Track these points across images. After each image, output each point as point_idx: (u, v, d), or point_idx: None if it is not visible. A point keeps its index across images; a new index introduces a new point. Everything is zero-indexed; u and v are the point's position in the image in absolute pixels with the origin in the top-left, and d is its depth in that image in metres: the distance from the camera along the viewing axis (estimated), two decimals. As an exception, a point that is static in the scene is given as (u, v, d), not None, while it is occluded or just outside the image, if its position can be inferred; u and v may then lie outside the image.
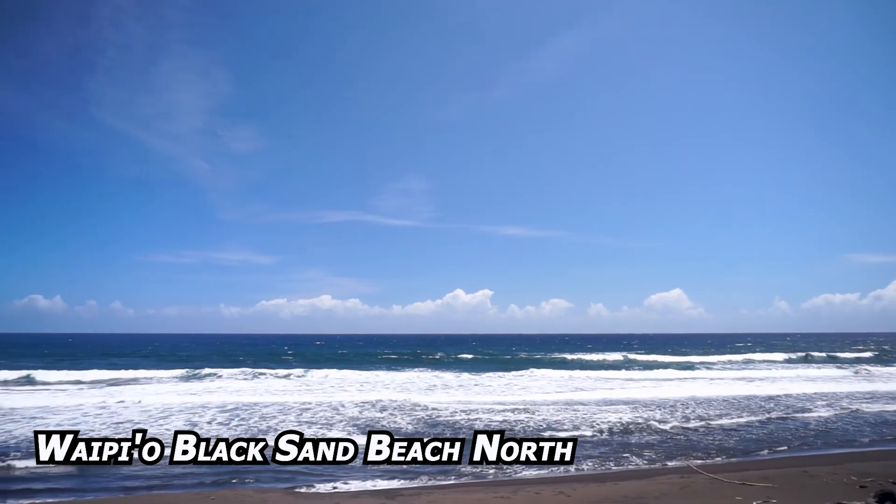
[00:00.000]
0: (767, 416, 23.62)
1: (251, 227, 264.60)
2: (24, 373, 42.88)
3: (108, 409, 23.88)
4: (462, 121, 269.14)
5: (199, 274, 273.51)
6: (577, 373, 47.37)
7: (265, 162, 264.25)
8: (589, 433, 19.26)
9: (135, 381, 39.76)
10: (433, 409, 25.18)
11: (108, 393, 31.34)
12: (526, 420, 22.06)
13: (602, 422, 21.51)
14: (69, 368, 47.16)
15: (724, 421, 22.10)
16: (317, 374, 43.70)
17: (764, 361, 64.50)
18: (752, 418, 22.87)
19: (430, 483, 13.12)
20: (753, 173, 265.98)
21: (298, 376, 42.62)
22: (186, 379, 41.27)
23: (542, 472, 14.22)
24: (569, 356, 71.67)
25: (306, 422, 21.48)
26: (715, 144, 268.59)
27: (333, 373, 45.03)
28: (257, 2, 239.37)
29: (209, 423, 21.33)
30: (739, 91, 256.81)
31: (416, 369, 52.16)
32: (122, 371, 44.80)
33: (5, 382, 39.34)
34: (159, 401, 26.49)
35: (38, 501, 11.53)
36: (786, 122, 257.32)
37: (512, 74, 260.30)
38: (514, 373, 45.87)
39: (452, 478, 13.63)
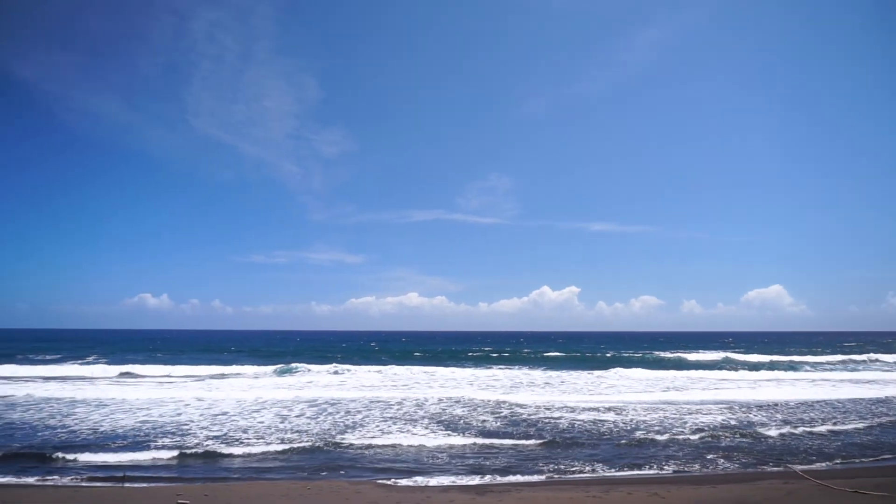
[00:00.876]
0: (876, 420, 21.82)
1: (340, 228, 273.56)
2: (130, 367, 46.34)
3: (206, 402, 25.48)
4: (545, 116, 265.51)
5: (291, 273, 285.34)
6: (667, 373, 45.47)
7: (352, 164, 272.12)
8: (681, 435, 18.47)
9: (232, 375, 41.87)
10: (517, 407, 25.06)
11: (207, 386, 33.42)
12: (613, 420, 21.54)
13: (696, 423, 20.69)
14: (173, 363, 50.33)
15: (828, 425, 20.60)
16: (403, 371, 44.51)
17: (875, 362, 59.69)
18: (859, 423, 21.19)
19: (519, 479, 13.02)
20: (859, 157, 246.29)
21: (385, 372, 43.53)
22: (279, 374, 43.13)
23: (634, 471, 13.78)
24: (661, 354, 69.34)
25: (390, 417, 21.97)
26: (818, 129, 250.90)
27: (419, 369, 45.70)
28: (341, 9, 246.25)
29: (298, 416, 22.30)
30: (844, 73, 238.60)
31: (501, 367, 52.01)
32: (221, 367, 47.29)
33: (107, 376, 42.31)
34: (253, 395, 27.86)
35: (151, 485, 12.31)
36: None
37: (596, 67, 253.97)
38: (600, 371, 44.84)
39: (542, 475, 13.46)
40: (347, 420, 21.15)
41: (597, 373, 43.44)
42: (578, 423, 21.01)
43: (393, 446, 16.67)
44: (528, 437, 18.25)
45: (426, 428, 19.54)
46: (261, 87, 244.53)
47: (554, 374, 43.00)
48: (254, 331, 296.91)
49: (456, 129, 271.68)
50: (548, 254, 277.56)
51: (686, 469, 14.21)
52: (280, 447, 16.40)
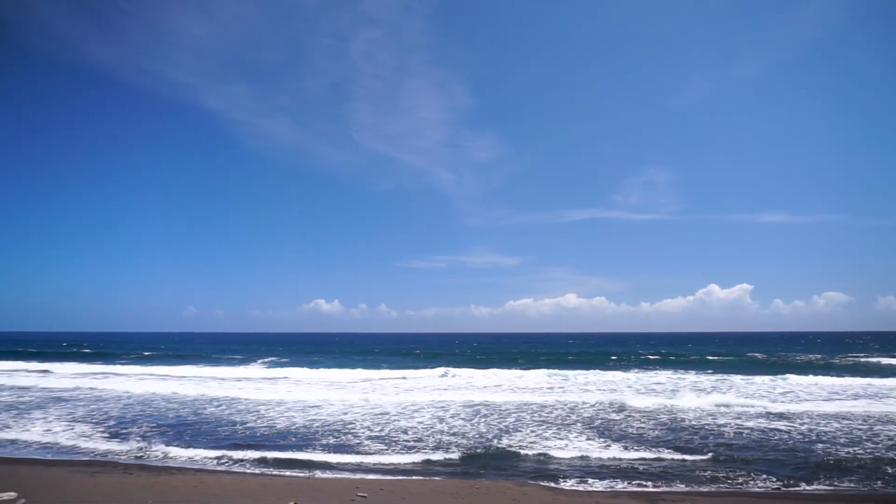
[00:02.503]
0: None
1: (496, 231, 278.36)
2: (303, 370, 50.98)
3: (370, 403, 27.65)
4: (706, 102, 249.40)
5: (450, 277, 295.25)
6: (855, 379, 39.47)
7: (505, 167, 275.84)
8: (874, 451, 16.89)
9: (394, 378, 44.20)
10: (679, 412, 24.26)
11: (371, 387, 35.99)
12: (784, 429, 20.14)
13: (893, 438, 18.67)
14: (341, 366, 54.34)
15: None
16: (559, 374, 44.26)
17: None
18: None
19: (692, 489, 12.95)
20: None
21: (540, 376, 43.57)
22: (438, 377, 44.69)
23: (815, 486, 13.03)
24: (847, 358, 62.27)
25: (542, 421, 22.33)
26: None
27: (575, 373, 45.16)
28: (487, 15, 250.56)
29: (452, 416, 23.40)
30: None
31: (663, 370, 49.83)
32: (385, 370, 49.84)
33: (283, 377, 46.55)
34: (412, 397, 29.66)
35: (335, 476, 13.83)
36: None
37: (761, 44, 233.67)
38: (773, 376, 41.29)
39: (713, 485, 13.21)
40: (501, 423, 21.79)
41: (770, 377, 40.19)
42: (746, 431, 19.95)
43: (548, 450, 16.98)
44: (690, 444, 17.72)
45: (580, 433, 19.64)
46: (416, 99, 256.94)
47: (721, 378, 40.56)
48: (416, 333, 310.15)
49: (609, 124, 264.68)
50: (714, 249, 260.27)
51: (882, 489, 13.06)
52: (439, 447, 17.43)
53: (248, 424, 21.81)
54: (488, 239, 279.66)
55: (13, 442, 18.53)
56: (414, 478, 13.88)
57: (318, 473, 14.28)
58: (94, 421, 22.52)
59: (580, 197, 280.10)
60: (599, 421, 22.27)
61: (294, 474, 14.19)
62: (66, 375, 45.04)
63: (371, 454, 16.67)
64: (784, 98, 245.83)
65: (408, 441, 18.58)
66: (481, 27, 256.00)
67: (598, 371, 46.27)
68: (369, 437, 19.12)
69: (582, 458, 16.05)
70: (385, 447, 17.55)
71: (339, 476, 14.02)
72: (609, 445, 17.67)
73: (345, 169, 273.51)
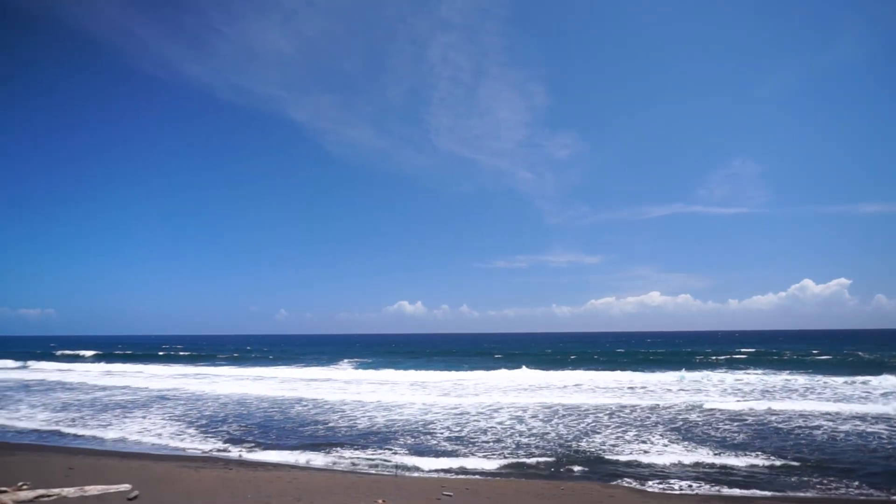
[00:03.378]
0: None
1: (576, 229, 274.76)
2: (385, 371, 52.29)
3: (450, 403, 28.13)
4: (794, 89, 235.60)
5: (531, 277, 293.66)
6: None
7: (583, 164, 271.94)
8: None
9: (473, 380, 44.25)
10: (767, 414, 23.30)
11: (452, 387, 36.37)
12: (885, 434, 19.02)
13: None
14: (423, 367, 55.10)
15: None
16: (641, 374, 43.19)
17: None
18: None
19: (783, 494, 12.49)
20: None
21: (619, 377, 42.63)
22: (517, 378, 44.28)
23: None
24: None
25: (621, 423, 22.01)
26: None
27: (659, 373, 43.92)
28: (563, 16, 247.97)
29: (532, 417, 23.45)
30: None
31: (754, 370, 47.66)
32: (464, 372, 49.70)
33: (366, 379, 47.65)
34: (491, 399, 29.80)
35: (421, 476, 14.25)
36: None
37: (855, 29, 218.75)
38: (872, 376, 38.47)
39: (805, 492, 12.72)
40: (580, 425, 21.61)
41: (869, 377, 37.64)
42: (841, 434, 18.93)
43: (631, 452, 16.71)
44: (781, 448, 16.97)
45: (663, 436, 19.20)
46: (493, 101, 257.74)
47: (815, 378, 38.42)
48: (497, 333, 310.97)
49: (691, 115, 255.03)
50: (807, 243, 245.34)
51: None
52: (519, 448, 17.52)
53: (333, 424, 22.60)
54: (569, 237, 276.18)
55: (122, 440, 20.10)
56: (498, 478, 14.09)
57: (403, 472, 14.74)
58: (191, 419, 23.99)
59: (662, 192, 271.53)
60: (683, 423, 21.69)
61: (380, 473, 14.73)
62: (165, 376, 48.12)
63: (453, 454, 16.92)
64: (881, 83, 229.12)
65: (487, 441, 18.72)
66: (557, 26, 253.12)
67: (682, 371, 44.81)
68: (450, 438, 19.42)
69: (666, 460, 15.65)
70: (465, 447, 17.79)
71: (423, 475, 14.41)
72: (694, 448, 17.19)
73: (426, 172, 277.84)
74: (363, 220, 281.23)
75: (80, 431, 21.41)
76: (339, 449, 17.73)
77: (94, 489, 11.77)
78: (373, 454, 16.95)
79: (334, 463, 16.04)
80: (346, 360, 67.64)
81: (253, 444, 18.57)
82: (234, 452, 17.45)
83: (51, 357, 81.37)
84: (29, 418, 24.81)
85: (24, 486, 11.62)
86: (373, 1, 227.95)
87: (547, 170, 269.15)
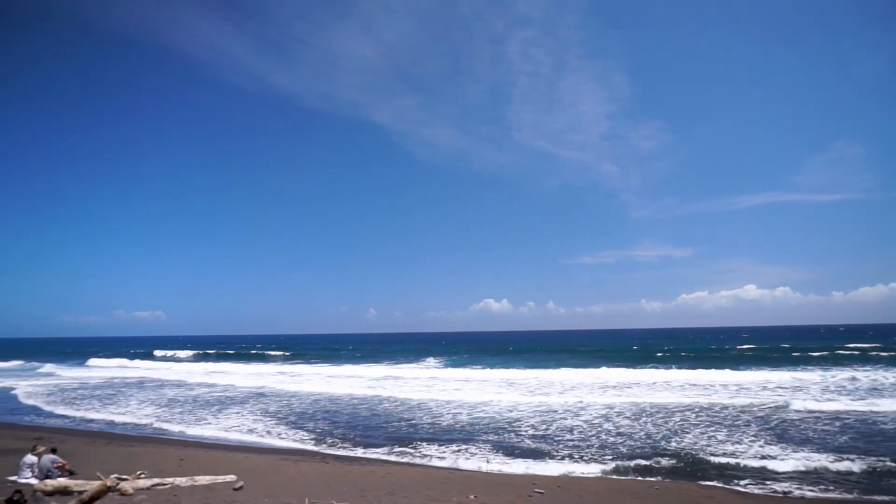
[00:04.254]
0: None
1: (664, 222, 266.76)
2: (469, 369, 52.57)
3: (535, 401, 28.05)
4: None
5: (618, 272, 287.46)
6: None
7: (670, 155, 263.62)
8: None
9: (559, 377, 43.40)
10: (873, 414, 21.91)
11: (538, 385, 36.02)
12: None
13: None
14: (506, 365, 54.99)
15: None
16: (732, 373, 40.81)
17: None
18: None
19: (891, 499, 11.70)
20: None
21: (712, 374, 40.60)
22: (603, 375, 43.13)
23: None
24: None
25: (711, 422, 21.27)
26: None
27: (753, 371, 41.53)
28: (642, 4, 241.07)
29: (618, 415, 23.13)
30: None
31: (861, 367, 44.22)
32: (550, 370, 48.56)
33: (453, 377, 47.84)
34: (576, 396, 29.37)
35: (510, 473, 14.32)
36: None
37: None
38: None
39: None
40: (668, 423, 21.03)
41: None
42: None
43: (723, 453, 16.09)
44: (888, 451, 15.83)
45: (756, 436, 18.36)
46: (574, 94, 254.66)
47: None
48: (584, 330, 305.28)
49: (786, 97, 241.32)
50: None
51: None
52: (605, 446, 17.26)
53: (418, 421, 22.99)
54: (657, 231, 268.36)
55: (224, 433, 21.32)
56: (589, 475, 13.92)
57: (492, 468, 14.82)
58: (284, 415, 25.00)
59: (756, 180, 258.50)
60: (778, 423, 20.66)
61: (469, 468, 14.88)
62: (260, 374, 50.33)
63: (538, 451, 16.86)
64: None
65: (573, 440, 18.52)
66: (638, 14, 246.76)
67: (778, 368, 42.51)
68: (535, 436, 19.34)
69: (762, 462, 14.93)
70: (551, 445, 17.69)
71: (512, 472, 14.45)
72: (792, 450, 16.31)
73: (508, 170, 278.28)
74: (448, 220, 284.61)
75: (182, 427, 22.75)
76: (426, 445, 18.03)
77: (203, 479, 12.55)
78: (460, 450, 17.13)
79: (423, 458, 16.36)
80: (432, 358, 68.52)
81: (344, 440, 19.21)
82: (329, 447, 18.13)
83: (158, 357, 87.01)
84: (140, 413, 26.67)
85: (142, 475, 12.54)
86: (450, 1, 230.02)
87: (632, 162, 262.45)
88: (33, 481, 12.17)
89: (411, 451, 17.34)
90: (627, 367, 48.08)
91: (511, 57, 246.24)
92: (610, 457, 16.01)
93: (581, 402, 27.45)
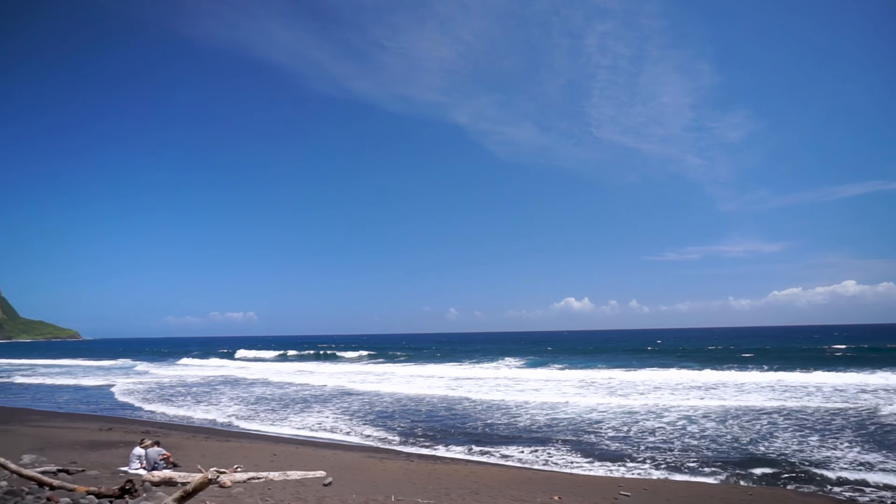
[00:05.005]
0: None
1: (753, 215, 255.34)
2: (548, 370, 52.06)
3: (616, 404, 27.34)
4: None
5: (705, 268, 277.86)
6: None
7: (761, 145, 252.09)
8: None
9: (641, 378, 42.04)
10: None
11: (620, 386, 35.16)
12: None
13: None
14: (584, 366, 53.71)
15: None
16: (825, 373, 38.01)
17: None
18: None
19: None
20: None
21: (804, 376, 38.05)
22: (687, 376, 40.89)
23: None
24: None
25: (801, 426, 20.23)
26: None
27: (849, 373, 38.68)
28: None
29: (704, 417, 22.45)
30: None
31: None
32: (632, 371, 46.58)
33: (534, 377, 47.40)
34: (659, 398, 28.67)
35: (594, 475, 14.26)
36: None
37: None
38: None
39: None
40: (756, 427, 20.20)
41: None
42: None
43: (818, 461, 15.36)
44: None
45: (852, 442, 17.31)
46: (656, 86, 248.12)
47: None
48: (669, 329, 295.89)
49: (891, 78, 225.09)
50: None
51: None
52: (688, 450, 16.81)
53: (496, 421, 23.07)
54: (745, 225, 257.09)
55: (312, 430, 22.15)
56: (675, 479, 13.61)
57: (574, 469, 14.75)
58: (366, 414, 25.68)
59: (854, 169, 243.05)
60: (877, 429, 19.40)
61: (552, 469, 14.87)
62: (344, 374, 51.70)
63: (619, 453, 16.63)
64: None
65: (655, 442, 18.13)
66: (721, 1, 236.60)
67: (879, 370, 39.66)
68: (616, 437, 19.06)
69: (859, 469, 14.14)
70: (632, 447, 17.41)
71: (595, 473, 14.32)
72: (894, 458, 15.30)
73: (588, 166, 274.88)
74: (528, 219, 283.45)
75: (269, 424, 23.85)
76: (505, 445, 18.11)
77: (295, 474, 13.13)
78: (540, 451, 17.11)
79: (504, 458, 16.46)
80: (510, 358, 68.28)
81: (426, 439, 19.57)
82: (411, 446, 18.55)
83: (247, 357, 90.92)
84: (227, 410, 28.09)
85: (238, 469, 13.27)
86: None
87: (718, 153, 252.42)
88: (142, 472, 13.12)
89: (492, 450, 17.45)
90: (713, 367, 46.14)
91: (589, 51, 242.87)
92: (695, 460, 15.57)
93: (663, 403, 26.72)
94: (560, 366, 54.67)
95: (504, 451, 17.41)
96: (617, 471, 14.61)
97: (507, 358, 69.52)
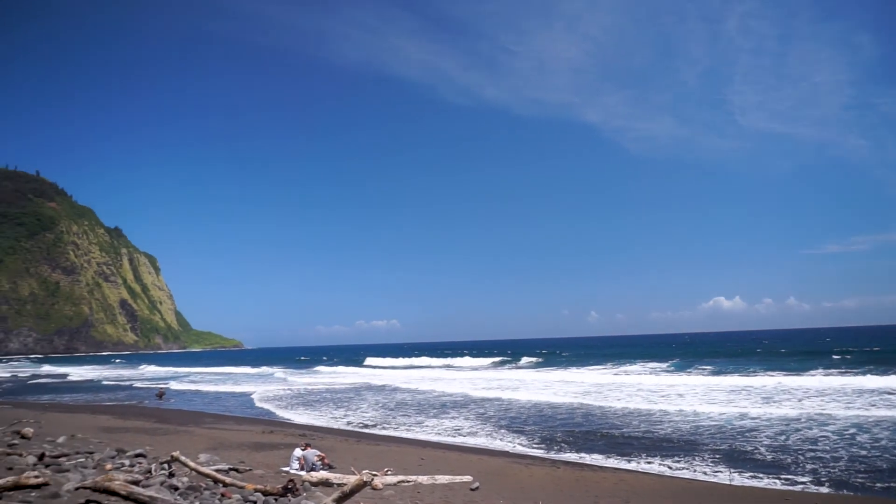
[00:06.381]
0: None
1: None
2: (699, 376, 49.40)
3: (770, 412, 25.34)
4: None
5: (875, 259, 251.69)
6: None
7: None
8: None
9: (798, 384, 38.47)
10: None
11: (774, 393, 32.44)
12: None
13: None
14: (734, 371, 49.63)
15: None
16: None
17: None
18: None
19: None
20: None
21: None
22: (852, 381, 37.03)
23: None
24: None
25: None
26: None
27: None
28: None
29: (876, 426, 20.55)
30: None
31: None
32: (792, 376, 42.40)
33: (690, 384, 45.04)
34: (821, 405, 26.15)
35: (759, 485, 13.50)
36: None
37: None
38: None
39: None
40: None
41: None
42: None
43: None
44: None
45: None
46: (807, 64, 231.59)
47: None
48: (834, 328, 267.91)
49: None
50: None
51: None
52: (857, 464, 15.34)
53: (641, 429, 22.39)
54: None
55: (451, 434, 22.61)
56: (847, 494, 12.50)
57: (733, 480, 13.93)
58: (502, 419, 25.90)
59: None
60: None
61: (709, 479, 14.14)
62: (480, 379, 52.26)
63: (777, 465, 15.57)
64: None
65: (818, 454, 16.75)
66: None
67: None
68: (771, 447, 17.87)
69: None
70: (791, 458, 16.25)
71: (757, 485, 13.44)
72: None
73: (732, 156, 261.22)
74: (670, 215, 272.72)
75: (406, 429, 24.61)
76: (650, 453, 17.54)
77: (442, 478, 13.52)
78: (690, 460, 16.38)
79: (650, 465, 15.90)
80: (653, 362, 64.68)
81: (568, 445, 19.39)
82: (556, 452, 18.39)
83: (381, 365, 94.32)
84: (367, 414, 29.46)
85: (388, 472, 13.87)
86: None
87: (887, 132, 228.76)
88: (301, 472, 14.07)
89: (636, 458, 16.98)
90: (887, 370, 41.45)
91: (729, 34, 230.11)
92: (865, 474, 14.18)
93: (826, 411, 24.42)
94: (707, 369, 51.66)
95: (649, 458, 16.89)
96: (778, 483, 13.63)
97: (649, 362, 66.39)
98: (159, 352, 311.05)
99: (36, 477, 8.70)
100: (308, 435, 20.47)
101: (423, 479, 13.52)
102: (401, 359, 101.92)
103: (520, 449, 19.26)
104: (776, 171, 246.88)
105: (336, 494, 9.05)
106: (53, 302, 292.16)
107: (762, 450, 17.50)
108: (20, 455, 12.23)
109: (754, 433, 20.33)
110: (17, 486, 8.29)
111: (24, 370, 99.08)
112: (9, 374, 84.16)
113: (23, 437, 16.17)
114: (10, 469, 10.12)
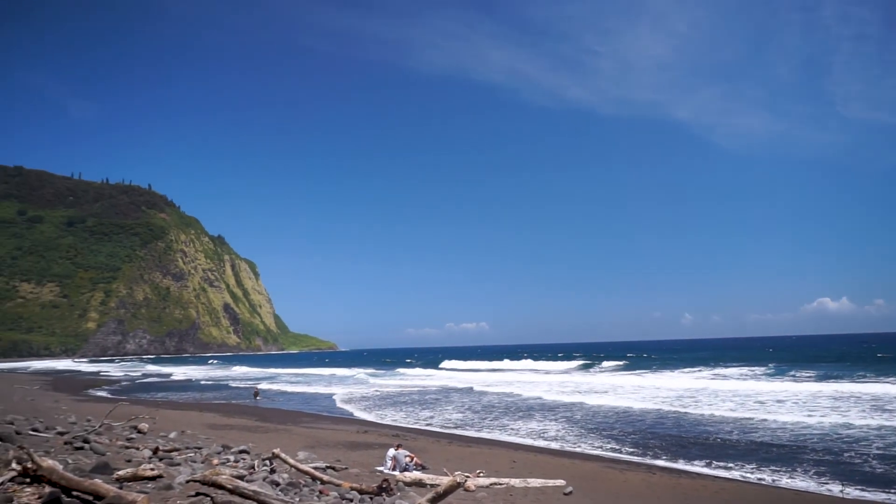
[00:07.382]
0: None
1: None
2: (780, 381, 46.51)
3: (879, 421, 23.46)
4: None
5: None
6: None
7: None
8: None
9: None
10: None
11: (886, 402, 30.10)
12: None
13: None
14: (835, 377, 45.47)
15: None
16: None
17: None
18: None
19: None
20: None
21: None
22: None
23: None
24: None
25: None
26: None
27: None
28: None
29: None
30: None
31: None
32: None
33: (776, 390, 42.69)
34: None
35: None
36: None
37: None
38: None
39: None
40: None
41: None
42: None
43: None
44: None
45: None
46: None
47: None
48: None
49: None
50: None
51: None
52: None
53: (735, 436, 21.44)
54: None
55: (534, 438, 22.40)
56: None
57: (849, 493, 13.08)
58: (589, 423, 25.58)
59: None
60: None
61: (817, 492, 13.35)
62: (571, 383, 51.46)
63: (889, 476, 14.58)
64: None
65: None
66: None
67: None
68: (881, 457, 16.74)
69: None
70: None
71: (873, 499, 12.59)
72: None
73: (833, 150, 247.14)
74: (766, 212, 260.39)
75: (490, 431, 24.62)
76: (746, 461, 16.80)
77: (535, 482, 13.45)
78: (792, 470, 15.52)
79: (750, 474, 15.13)
80: (748, 367, 61.23)
81: (661, 451, 18.86)
82: (650, 458, 17.85)
83: (461, 366, 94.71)
84: (453, 416, 29.74)
85: (480, 474, 13.94)
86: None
87: None
88: (395, 472, 14.38)
89: (736, 466, 16.29)
90: None
91: (827, 22, 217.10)
92: None
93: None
94: (811, 374, 48.68)
95: (749, 467, 16.16)
96: (893, 498, 12.66)
97: (743, 367, 63.19)
98: (259, 353, 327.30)
99: (151, 469, 9.40)
100: (401, 435, 20.88)
101: (516, 482, 13.49)
102: (480, 361, 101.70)
103: (611, 454, 18.83)
104: (884, 163, 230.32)
105: (430, 495, 9.20)
106: (164, 306, 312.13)
107: (873, 462, 16.37)
108: (137, 448, 13.17)
109: (863, 443, 19.00)
110: (136, 478, 8.98)
111: (135, 370, 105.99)
112: (122, 374, 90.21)
113: (139, 431, 17.37)
114: (129, 461, 10.87)
